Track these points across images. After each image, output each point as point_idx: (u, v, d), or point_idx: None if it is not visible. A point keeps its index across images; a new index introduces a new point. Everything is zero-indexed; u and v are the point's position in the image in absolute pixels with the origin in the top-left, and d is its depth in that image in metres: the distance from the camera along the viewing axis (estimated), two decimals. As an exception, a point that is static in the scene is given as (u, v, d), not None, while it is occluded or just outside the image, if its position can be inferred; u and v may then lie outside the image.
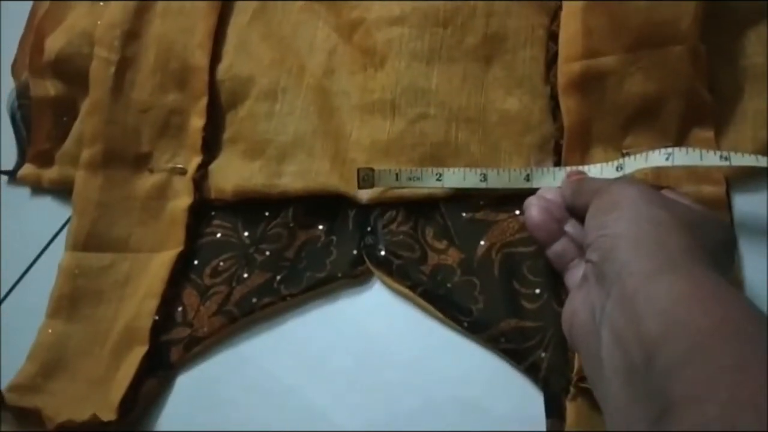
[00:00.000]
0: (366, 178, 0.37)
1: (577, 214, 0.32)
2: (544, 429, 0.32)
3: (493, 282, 0.35)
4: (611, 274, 0.25)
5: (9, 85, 0.49)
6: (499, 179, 0.36)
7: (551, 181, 0.35)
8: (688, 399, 0.19)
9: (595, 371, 0.25)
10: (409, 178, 0.37)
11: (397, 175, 0.37)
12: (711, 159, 0.32)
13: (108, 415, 0.34)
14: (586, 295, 0.27)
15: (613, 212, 0.27)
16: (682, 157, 0.33)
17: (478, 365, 0.34)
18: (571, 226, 0.33)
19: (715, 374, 0.19)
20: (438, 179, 0.37)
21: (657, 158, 0.33)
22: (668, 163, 0.33)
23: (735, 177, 0.35)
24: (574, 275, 0.31)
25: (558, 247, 0.33)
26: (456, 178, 0.37)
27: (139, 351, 0.36)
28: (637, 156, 0.34)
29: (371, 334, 0.37)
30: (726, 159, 0.32)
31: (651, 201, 0.27)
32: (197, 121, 0.41)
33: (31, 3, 0.50)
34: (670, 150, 0.33)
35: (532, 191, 0.35)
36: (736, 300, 0.22)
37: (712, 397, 0.18)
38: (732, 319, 0.21)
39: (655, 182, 0.35)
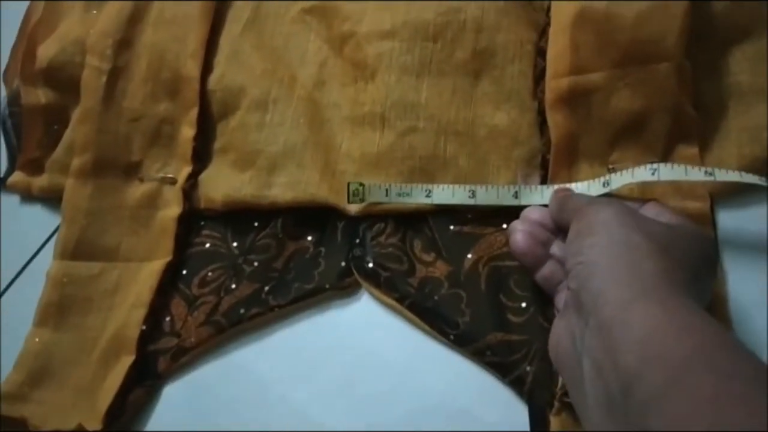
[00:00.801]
0: (356, 193, 0.37)
1: (564, 230, 0.32)
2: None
3: (480, 295, 0.35)
4: (588, 302, 0.25)
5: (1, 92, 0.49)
6: (488, 196, 0.37)
7: (539, 199, 0.36)
8: None
9: (579, 400, 0.25)
10: (399, 194, 0.37)
11: (386, 190, 0.37)
12: (696, 174, 0.33)
13: (94, 424, 0.34)
14: (567, 324, 0.27)
15: (588, 237, 0.27)
16: (667, 172, 0.33)
17: (465, 377, 0.35)
18: (557, 248, 0.33)
19: (691, 409, 0.19)
20: (427, 195, 0.37)
21: (643, 173, 0.33)
22: (654, 178, 0.33)
23: (719, 193, 0.36)
24: (563, 297, 0.31)
25: (545, 271, 0.33)
26: (445, 194, 0.37)
27: (127, 360, 0.36)
28: (624, 172, 0.34)
29: (359, 346, 0.37)
30: (710, 174, 0.33)
31: (625, 224, 0.27)
32: (188, 131, 0.41)
33: (24, 9, 0.50)
34: (655, 165, 0.33)
35: (521, 207, 0.35)
36: (710, 329, 0.22)
37: None
38: (707, 350, 0.21)
39: (641, 197, 0.35)
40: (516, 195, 0.36)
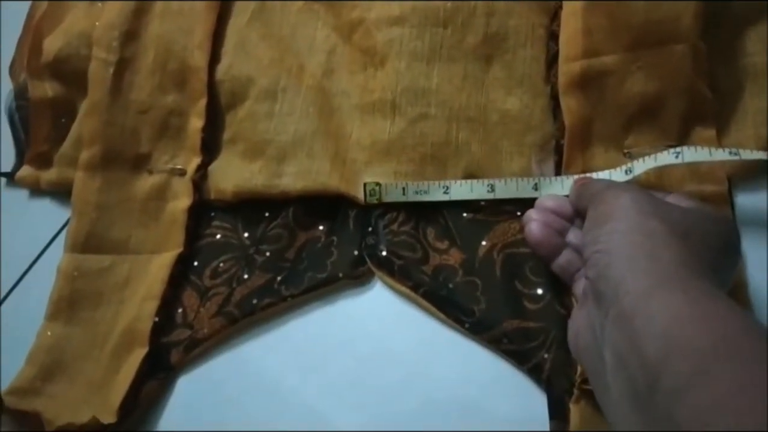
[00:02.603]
0: (372, 193, 0.37)
1: (582, 217, 0.32)
2: (547, 431, 0.31)
3: (495, 282, 0.35)
4: (608, 292, 0.24)
5: (7, 86, 0.48)
6: (507, 189, 0.36)
7: (560, 189, 0.35)
8: (694, 427, 0.19)
9: (602, 392, 0.25)
10: (416, 192, 0.37)
11: (404, 189, 0.37)
12: (720, 155, 0.32)
13: (108, 417, 0.34)
14: (587, 314, 0.27)
15: (606, 224, 0.27)
16: (691, 154, 0.32)
17: (480, 366, 0.34)
18: (573, 236, 0.32)
19: (718, 399, 0.19)
20: (445, 192, 0.37)
21: (666, 158, 0.33)
22: (678, 161, 0.32)
23: (737, 176, 0.35)
24: (581, 285, 0.31)
25: (562, 260, 0.32)
26: (463, 190, 0.37)
27: (140, 353, 0.36)
28: (646, 158, 0.33)
29: (372, 335, 0.36)
30: (735, 154, 0.32)
31: (644, 210, 0.26)
32: (196, 122, 0.41)
33: (29, 3, 0.50)
34: (679, 149, 0.33)
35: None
36: (734, 315, 0.21)
37: (718, 425, 0.18)
38: (731, 338, 0.20)
39: (658, 183, 0.35)
40: (536, 187, 0.36)
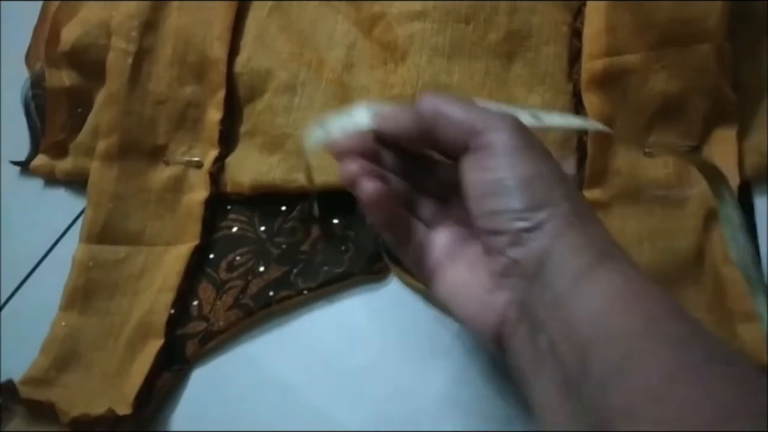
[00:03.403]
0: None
1: (433, 145, 0.26)
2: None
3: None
4: (544, 274, 0.23)
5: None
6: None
7: None
8: (623, 416, 0.18)
9: (534, 380, 0.23)
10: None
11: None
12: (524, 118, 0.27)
13: (123, 409, 0.34)
14: (513, 299, 0.24)
15: (519, 191, 0.23)
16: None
17: (498, 365, 0.34)
18: (427, 207, 0.28)
19: (648, 384, 0.18)
20: None
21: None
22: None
23: (757, 178, 0.35)
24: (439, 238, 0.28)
25: (419, 240, 0.28)
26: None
27: (155, 345, 0.36)
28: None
29: (388, 331, 0.36)
30: (536, 117, 0.28)
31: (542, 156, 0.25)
32: (215, 114, 0.41)
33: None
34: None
35: None
36: (663, 297, 0.21)
37: (645, 414, 0.18)
38: (661, 320, 0.20)
39: (678, 181, 0.34)
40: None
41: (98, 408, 0.34)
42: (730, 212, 0.30)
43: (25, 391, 0.35)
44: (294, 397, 0.35)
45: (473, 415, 0.33)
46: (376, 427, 0.34)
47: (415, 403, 0.34)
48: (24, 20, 0.49)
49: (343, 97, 0.40)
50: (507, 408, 0.33)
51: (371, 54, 0.41)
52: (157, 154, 0.41)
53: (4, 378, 0.35)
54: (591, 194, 0.35)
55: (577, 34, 0.37)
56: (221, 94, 0.41)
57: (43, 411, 0.35)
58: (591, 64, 0.36)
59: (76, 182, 0.44)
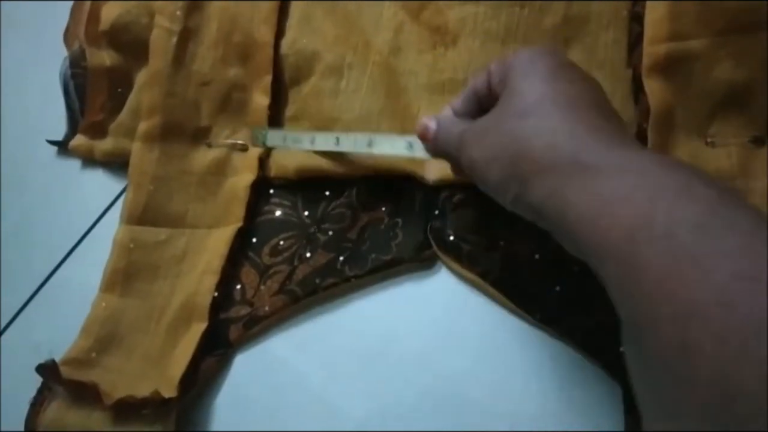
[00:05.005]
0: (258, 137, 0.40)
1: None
2: (623, 426, 0.30)
3: (571, 274, 0.34)
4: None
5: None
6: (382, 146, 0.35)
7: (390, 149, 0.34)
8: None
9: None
10: (295, 141, 0.38)
11: (284, 137, 0.39)
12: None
13: (169, 391, 0.33)
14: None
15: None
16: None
17: (550, 356, 0.33)
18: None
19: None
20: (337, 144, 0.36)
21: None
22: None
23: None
24: None
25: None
26: (348, 142, 0.36)
27: (198, 328, 0.36)
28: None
29: (438, 320, 0.35)
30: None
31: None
32: (262, 99, 0.40)
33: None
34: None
35: None
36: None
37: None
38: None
39: (741, 172, 0.33)
40: (410, 146, 0.33)
41: (143, 390, 0.33)
42: None
43: (65, 371, 0.35)
44: (338, 386, 0.35)
45: (521, 414, 0.32)
46: (424, 414, 0.33)
47: (463, 394, 0.33)
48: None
49: (390, 80, 0.39)
50: (549, 405, 0.32)
51: (419, 38, 0.40)
52: (199, 137, 0.41)
53: (45, 359, 0.35)
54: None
55: (637, 18, 0.36)
56: (268, 79, 0.40)
57: (85, 392, 0.35)
58: (653, 49, 0.34)
59: (114, 163, 0.43)
